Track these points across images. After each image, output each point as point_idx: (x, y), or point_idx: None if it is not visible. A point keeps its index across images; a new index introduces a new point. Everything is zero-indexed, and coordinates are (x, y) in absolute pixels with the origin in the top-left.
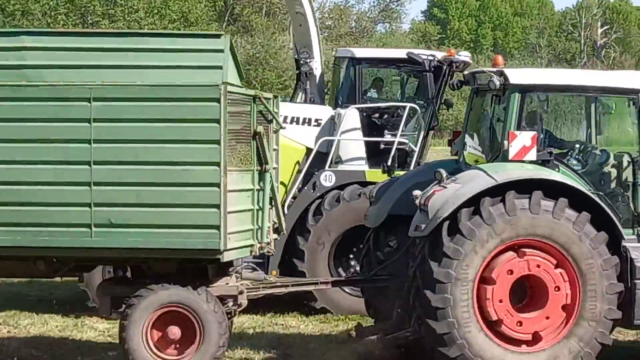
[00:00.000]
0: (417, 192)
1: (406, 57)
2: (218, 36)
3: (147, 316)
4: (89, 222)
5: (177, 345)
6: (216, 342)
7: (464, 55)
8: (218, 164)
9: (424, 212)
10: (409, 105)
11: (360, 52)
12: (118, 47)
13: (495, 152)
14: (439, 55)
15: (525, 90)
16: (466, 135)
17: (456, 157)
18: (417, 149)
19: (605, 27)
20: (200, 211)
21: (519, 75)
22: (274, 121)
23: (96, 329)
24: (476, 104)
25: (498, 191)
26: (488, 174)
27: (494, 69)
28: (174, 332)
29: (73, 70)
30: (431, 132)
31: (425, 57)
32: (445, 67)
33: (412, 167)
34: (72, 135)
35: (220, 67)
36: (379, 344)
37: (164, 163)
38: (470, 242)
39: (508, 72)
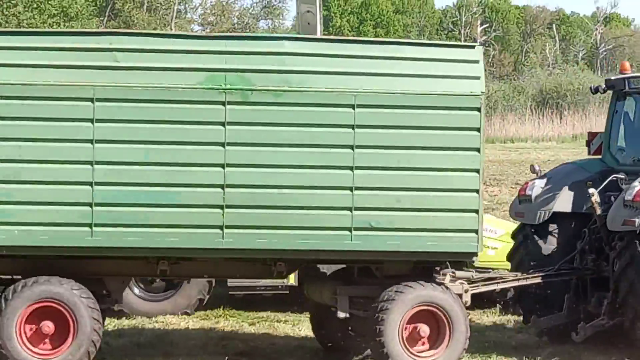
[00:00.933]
0: (592, 190)
1: None
2: (473, 47)
3: (404, 313)
4: (349, 226)
5: (425, 342)
6: (462, 341)
7: None
8: (478, 171)
9: (631, 207)
10: None
11: None
12: (376, 55)
13: None
14: None
15: None
16: (611, 136)
17: (597, 157)
18: None
19: (485, 25)
20: (459, 215)
21: None
22: None
23: None
24: (629, 107)
25: None
26: None
27: None
28: (424, 330)
29: (336, 77)
30: None
31: None
32: None
33: None
34: (336, 141)
35: (478, 78)
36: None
37: (424, 169)
38: None
39: None
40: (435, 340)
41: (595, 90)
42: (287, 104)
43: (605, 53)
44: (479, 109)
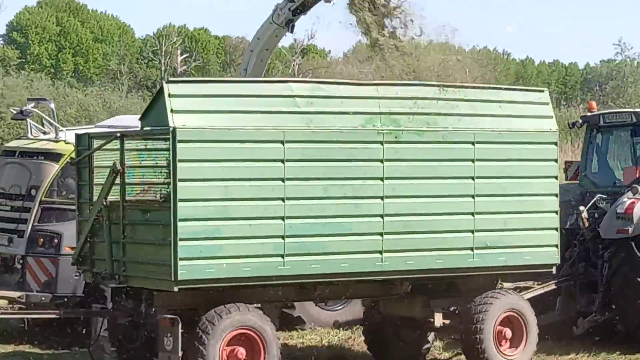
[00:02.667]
0: (582, 207)
1: None
2: (542, 91)
3: (496, 318)
4: (471, 246)
5: (508, 343)
6: (534, 343)
7: None
8: (556, 195)
9: (623, 219)
10: None
11: None
12: (486, 98)
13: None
14: None
15: None
16: (586, 164)
17: (574, 182)
18: None
19: (185, 55)
20: (547, 233)
21: None
22: None
23: None
24: (601, 139)
25: None
26: None
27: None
28: (508, 332)
29: (460, 118)
30: None
31: None
32: None
33: None
34: (462, 173)
35: (552, 117)
36: None
37: (522, 195)
38: None
39: None
40: (515, 342)
41: (573, 125)
42: (426, 142)
43: None
44: (555, 143)
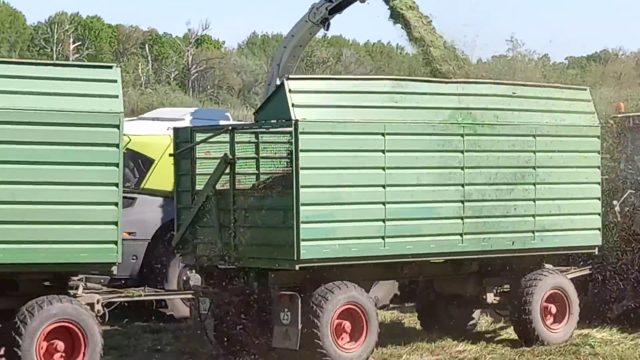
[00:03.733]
0: (615, 202)
1: None
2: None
3: (542, 295)
4: (532, 229)
5: (552, 318)
6: (575, 317)
7: None
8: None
9: None
10: None
11: None
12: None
13: None
14: None
15: None
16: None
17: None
18: None
19: (77, 43)
20: (588, 217)
21: None
22: None
23: None
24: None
25: None
26: None
27: None
28: (553, 308)
29: (522, 113)
30: None
31: None
32: None
33: None
34: (527, 163)
35: None
36: None
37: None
38: None
39: None
40: (559, 317)
41: None
42: (496, 134)
43: (196, 74)
44: (598, 137)
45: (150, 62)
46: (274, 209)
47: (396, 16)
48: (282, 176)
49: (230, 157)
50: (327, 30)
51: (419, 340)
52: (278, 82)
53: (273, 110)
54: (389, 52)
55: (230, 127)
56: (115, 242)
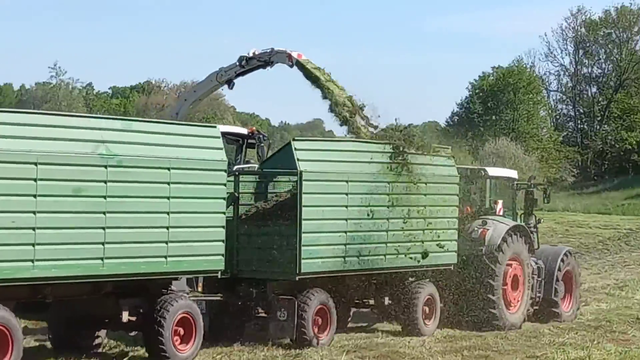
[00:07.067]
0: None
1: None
2: None
3: None
4: None
5: None
6: None
7: None
8: None
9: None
10: None
11: None
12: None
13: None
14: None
15: None
16: None
17: None
18: None
19: None
20: None
21: None
22: None
23: None
24: None
25: None
26: None
27: None
28: None
29: None
30: None
31: None
32: None
33: None
34: None
35: None
36: None
37: None
38: None
39: None
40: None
41: None
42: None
43: None
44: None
45: None
46: (279, 235)
47: None
48: (280, 208)
49: (237, 194)
50: (231, 89)
51: None
52: None
53: (280, 161)
54: None
55: (237, 172)
56: (223, 255)
